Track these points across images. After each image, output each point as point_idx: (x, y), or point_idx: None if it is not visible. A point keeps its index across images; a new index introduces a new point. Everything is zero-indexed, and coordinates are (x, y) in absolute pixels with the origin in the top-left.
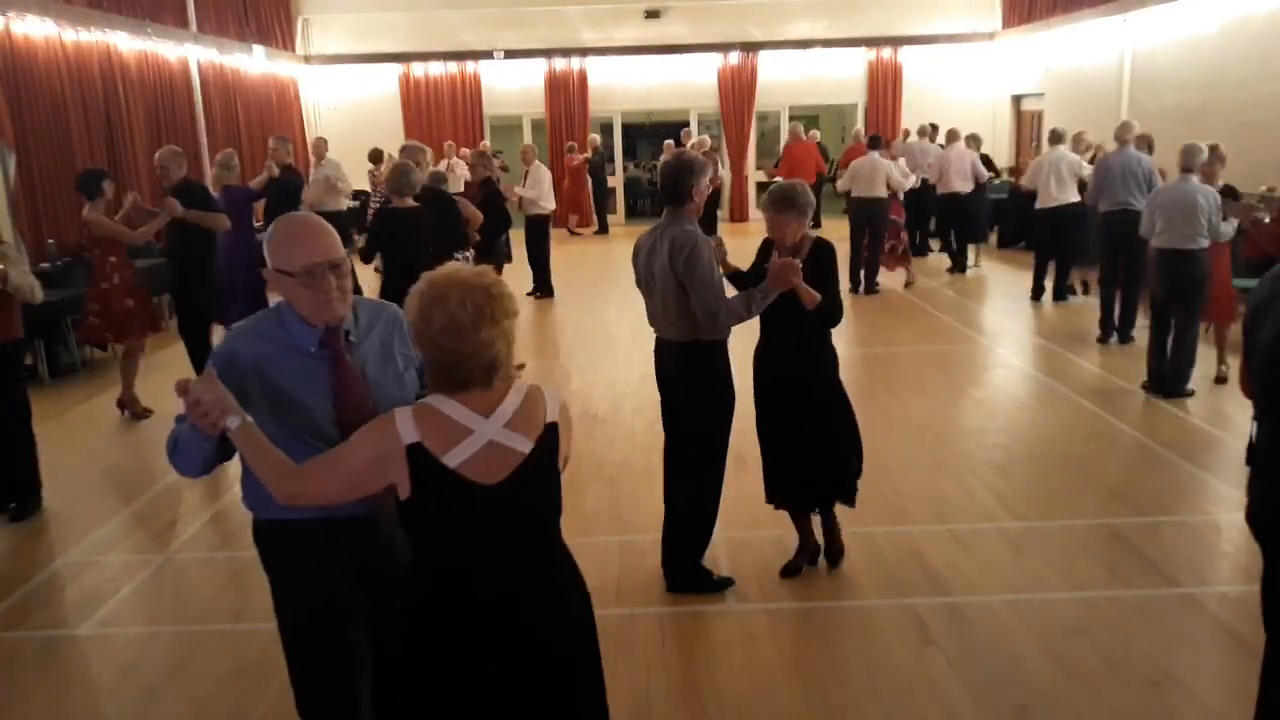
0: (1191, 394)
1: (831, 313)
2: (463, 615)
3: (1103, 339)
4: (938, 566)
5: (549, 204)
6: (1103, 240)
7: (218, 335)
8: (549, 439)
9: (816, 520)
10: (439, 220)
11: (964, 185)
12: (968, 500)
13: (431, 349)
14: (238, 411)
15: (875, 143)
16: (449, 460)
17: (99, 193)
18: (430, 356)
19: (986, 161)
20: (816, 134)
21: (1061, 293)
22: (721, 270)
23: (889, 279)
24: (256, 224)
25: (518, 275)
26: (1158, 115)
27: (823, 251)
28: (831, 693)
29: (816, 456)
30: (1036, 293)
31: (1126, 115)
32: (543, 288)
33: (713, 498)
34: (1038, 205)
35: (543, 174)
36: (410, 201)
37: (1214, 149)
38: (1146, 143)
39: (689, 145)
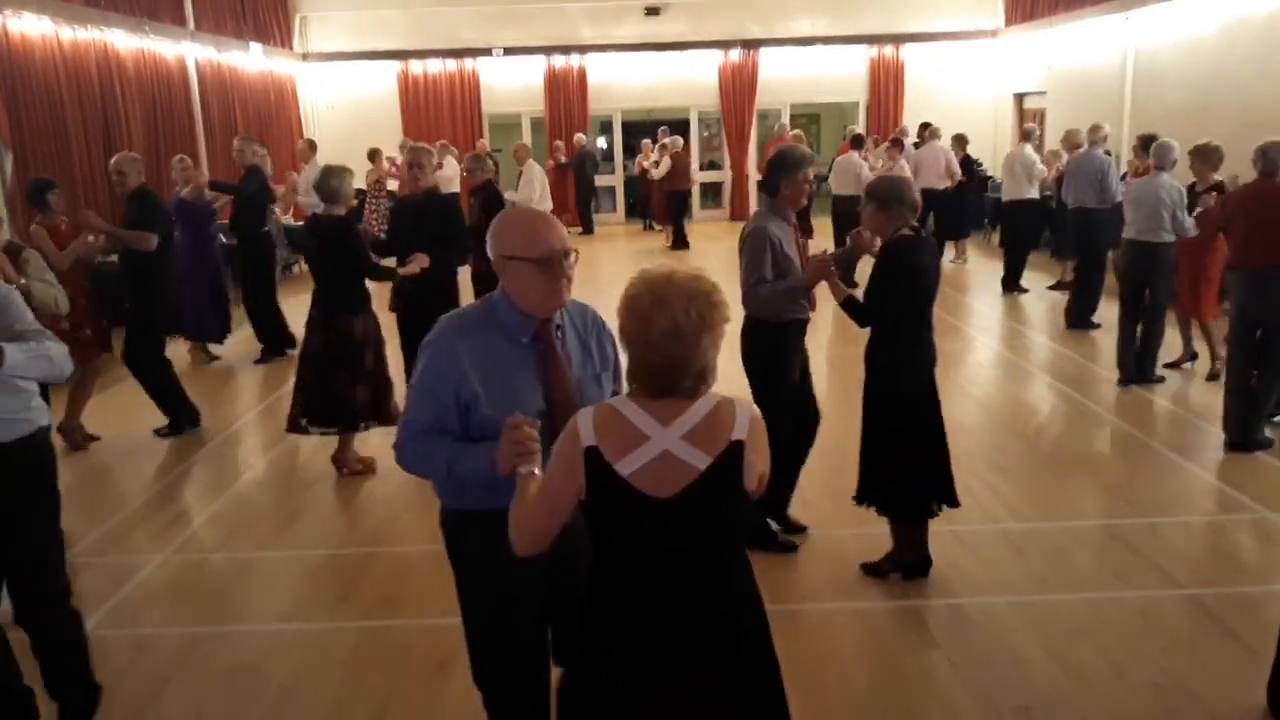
0: (1162, 380)
1: (855, 312)
2: (628, 627)
3: (1068, 326)
4: (940, 567)
5: (543, 205)
6: (1071, 237)
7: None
8: (731, 457)
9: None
10: (434, 226)
11: (938, 182)
12: (969, 500)
13: (649, 353)
14: (538, 463)
15: (857, 143)
16: (622, 468)
17: (44, 205)
18: (644, 360)
19: (970, 161)
20: (800, 134)
21: (1012, 285)
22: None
23: None
24: (223, 222)
25: None
26: (1160, 114)
27: (888, 253)
28: (832, 694)
29: (865, 457)
30: (1005, 282)
31: (1129, 114)
32: None
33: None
34: (1002, 199)
35: (536, 174)
36: (339, 210)
37: (1201, 148)
38: (1144, 145)
39: (662, 144)
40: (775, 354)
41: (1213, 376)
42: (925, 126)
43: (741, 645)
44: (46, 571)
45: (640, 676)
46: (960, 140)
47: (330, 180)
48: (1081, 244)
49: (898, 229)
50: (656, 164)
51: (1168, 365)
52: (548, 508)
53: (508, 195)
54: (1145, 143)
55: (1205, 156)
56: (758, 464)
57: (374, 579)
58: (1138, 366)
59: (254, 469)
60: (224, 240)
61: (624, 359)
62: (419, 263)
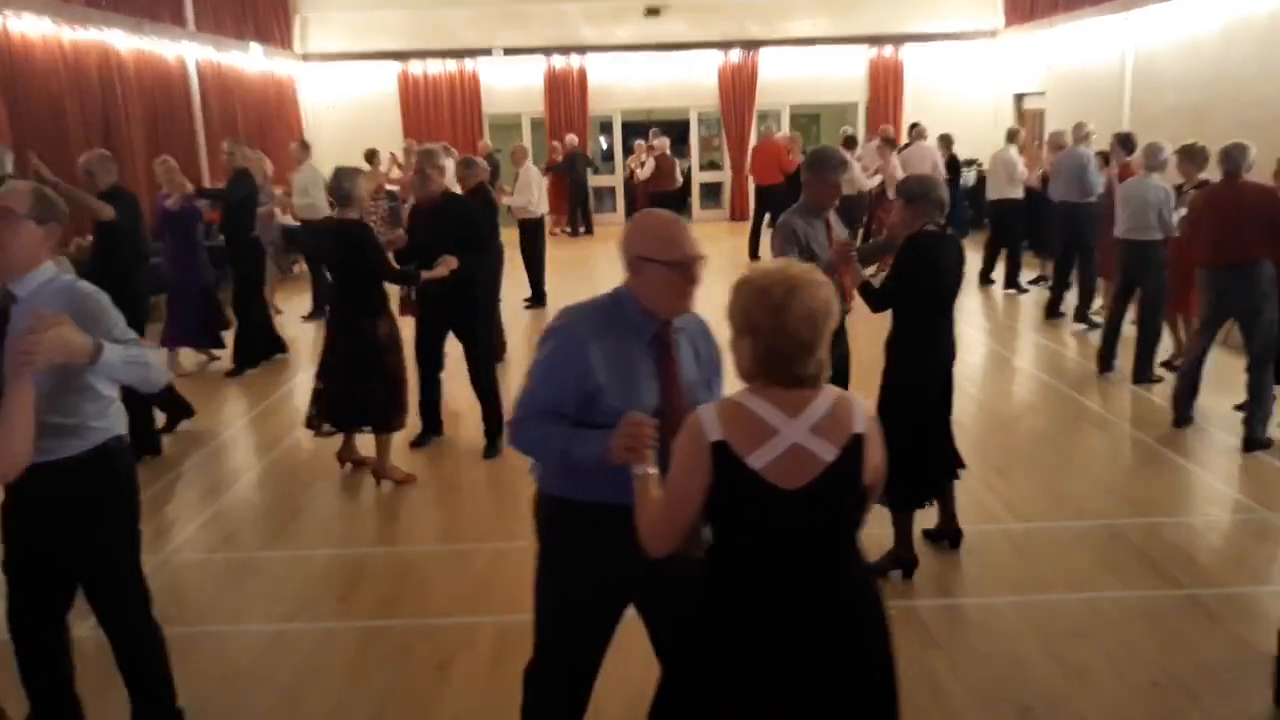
0: (1159, 380)
1: (869, 296)
2: (751, 618)
3: (1048, 317)
4: (940, 568)
5: (540, 208)
6: (1059, 232)
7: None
8: (854, 449)
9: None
10: (454, 229)
11: None
12: (969, 501)
13: (782, 341)
14: (653, 462)
15: (850, 144)
16: (753, 461)
17: None
18: (776, 349)
19: (956, 162)
20: (797, 135)
21: (1011, 283)
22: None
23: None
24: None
25: (508, 283)
26: (1160, 114)
27: (910, 248)
28: None
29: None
30: (983, 276)
31: (1129, 114)
32: (536, 296)
33: None
34: (987, 198)
35: (533, 176)
36: (353, 214)
37: (1187, 149)
38: (1121, 144)
39: (653, 143)
40: None
41: (1173, 367)
42: (914, 127)
43: (865, 640)
44: (125, 588)
45: (765, 669)
46: (945, 140)
47: (343, 183)
48: (1068, 238)
49: (923, 225)
50: (643, 164)
51: (1164, 364)
52: (677, 507)
53: (505, 200)
54: (1122, 141)
55: (1191, 157)
56: (874, 457)
57: (374, 579)
58: (1136, 367)
59: (253, 469)
60: (219, 241)
61: (731, 358)
62: (447, 265)
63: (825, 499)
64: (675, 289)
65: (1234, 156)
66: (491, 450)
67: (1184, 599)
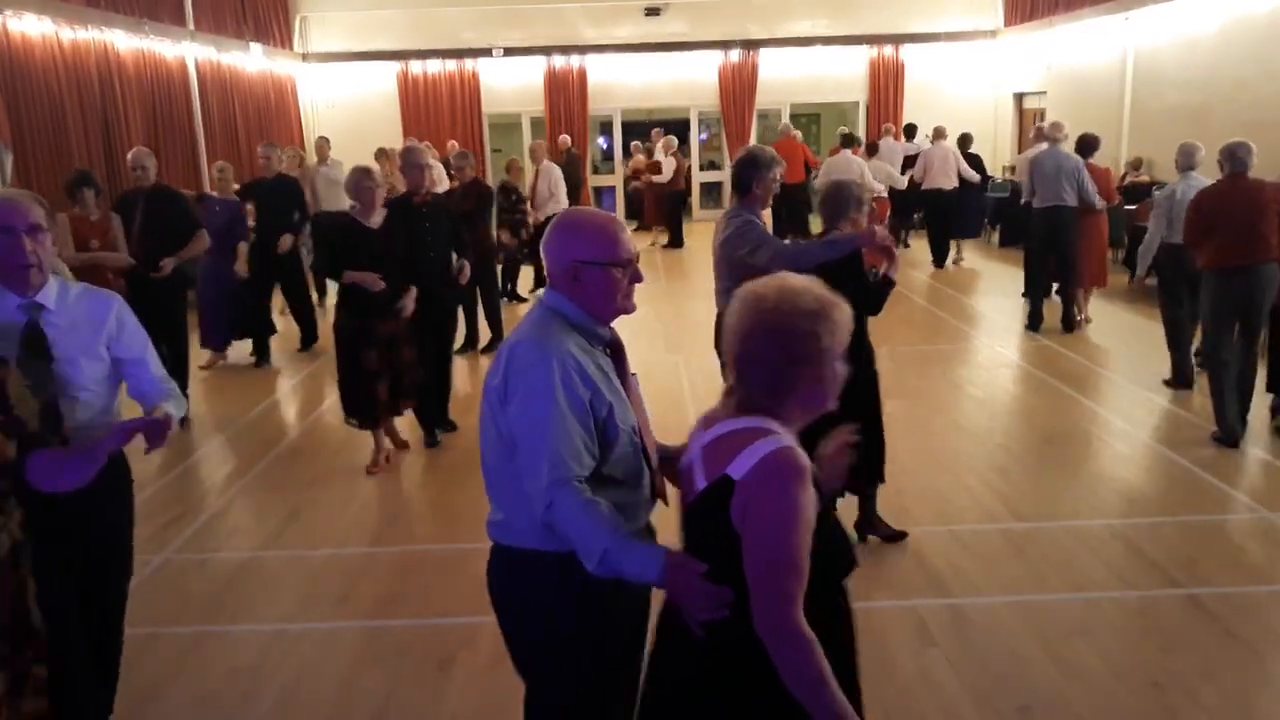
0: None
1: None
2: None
3: (1030, 328)
4: (939, 567)
5: (563, 205)
6: (1036, 235)
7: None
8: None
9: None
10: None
11: (946, 182)
12: (969, 500)
13: (831, 366)
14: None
15: (848, 142)
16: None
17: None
18: (821, 376)
19: (975, 161)
20: (798, 134)
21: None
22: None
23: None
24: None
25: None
26: (1160, 114)
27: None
28: None
29: None
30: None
31: (1129, 114)
32: None
33: None
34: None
35: (555, 173)
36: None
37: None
38: (1080, 146)
39: (659, 145)
40: None
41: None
42: (911, 129)
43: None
44: (114, 576)
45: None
46: (965, 140)
47: (369, 181)
48: (1049, 243)
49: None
50: (659, 169)
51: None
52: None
53: (534, 210)
54: (1080, 142)
55: (1232, 157)
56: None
57: (374, 578)
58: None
59: (254, 468)
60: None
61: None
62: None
63: (690, 527)
64: (625, 289)
65: (1239, 155)
66: (432, 439)
67: (1183, 599)
